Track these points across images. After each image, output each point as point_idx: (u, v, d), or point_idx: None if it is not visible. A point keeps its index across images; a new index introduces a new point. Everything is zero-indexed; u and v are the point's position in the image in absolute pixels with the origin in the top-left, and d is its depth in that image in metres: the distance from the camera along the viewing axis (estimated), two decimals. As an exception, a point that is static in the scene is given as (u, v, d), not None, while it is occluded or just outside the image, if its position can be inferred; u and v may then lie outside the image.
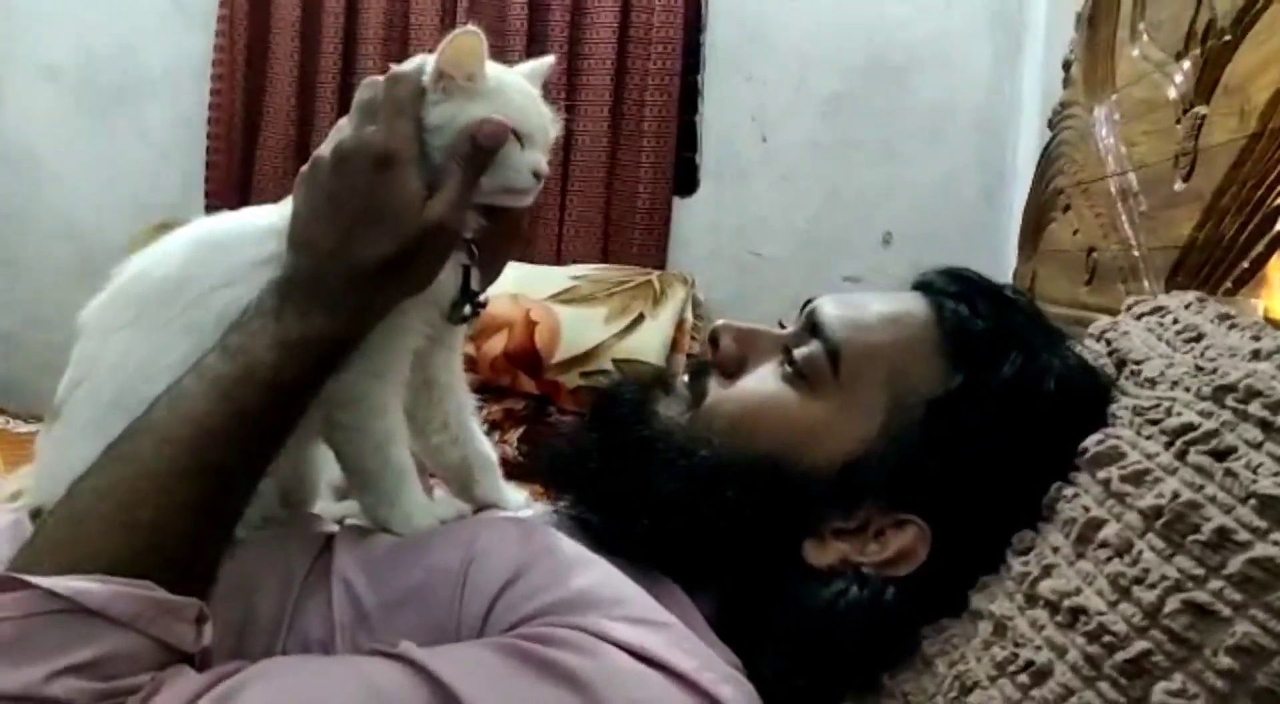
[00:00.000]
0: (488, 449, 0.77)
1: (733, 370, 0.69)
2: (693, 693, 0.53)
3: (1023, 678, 0.51)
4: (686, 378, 0.72)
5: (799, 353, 0.67)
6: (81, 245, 2.31)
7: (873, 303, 0.69)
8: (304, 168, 0.64)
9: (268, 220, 0.67)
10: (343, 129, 0.64)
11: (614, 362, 1.95)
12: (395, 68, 0.65)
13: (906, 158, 2.22)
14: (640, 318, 2.00)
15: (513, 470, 0.79)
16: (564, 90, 2.14)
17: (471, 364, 1.92)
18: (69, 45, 2.29)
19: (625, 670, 0.53)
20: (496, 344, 1.94)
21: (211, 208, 2.23)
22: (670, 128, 2.20)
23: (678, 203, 2.27)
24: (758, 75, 2.24)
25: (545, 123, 0.68)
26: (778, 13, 2.21)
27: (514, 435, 1.91)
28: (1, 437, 1.69)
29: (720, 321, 0.72)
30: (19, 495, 0.72)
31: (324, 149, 0.63)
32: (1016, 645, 0.52)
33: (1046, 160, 1.56)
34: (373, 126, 0.62)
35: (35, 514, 0.64)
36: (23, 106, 2.32)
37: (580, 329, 1.97)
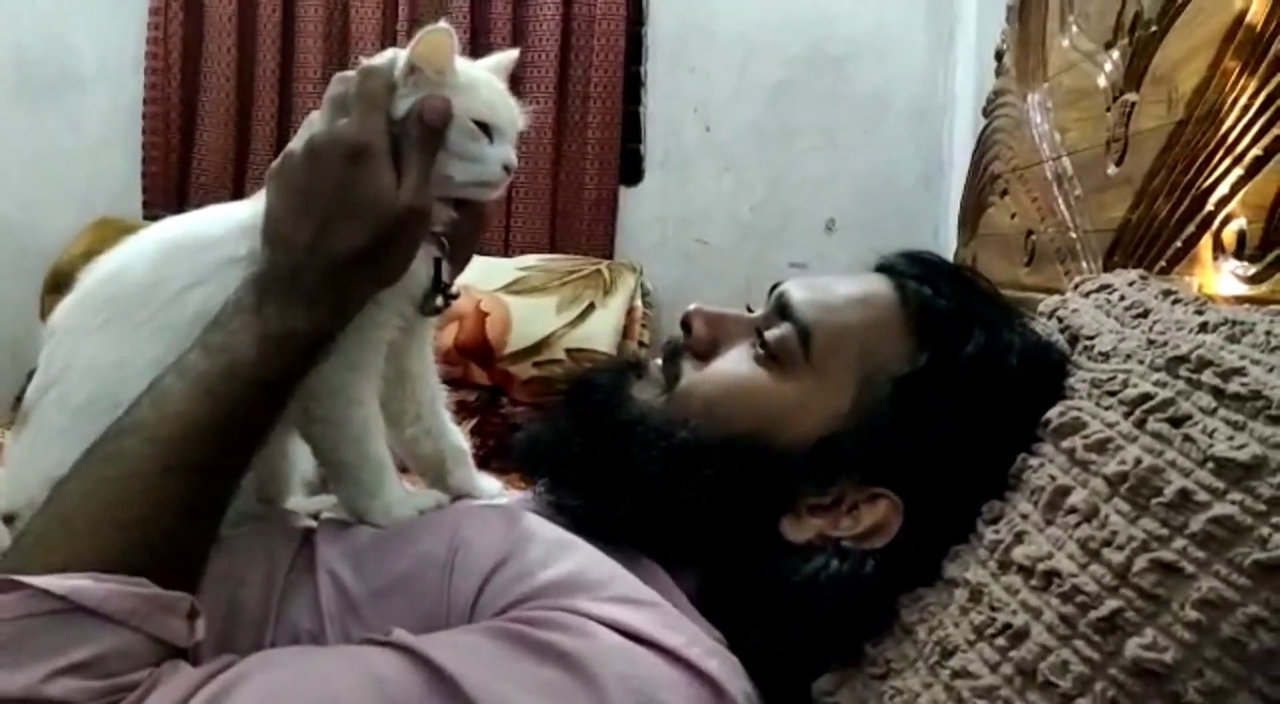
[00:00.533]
0: (461, 440, 0.78)
1: (705, 353, 0.71)
2: (681, 668, 0.55)
3: (1001, 640, 0.53)
4: (660, 361, 0.73)
5: (770, 335, 0.68)
6: (16, 241, 2.23)
7: (839, 285, 0.71)
8: (274, 163, 0.64)
9: (238, 218, 0.67)
10: (314, 123, 0.64)
11: (566, 351, 1.96)
12: (366, 61, 0.65)
13: (847, 146, 2.26)
14: (591, 307, 2.01)
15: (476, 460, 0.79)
16: (508, 82, 2.12)
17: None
18: (2, 45, 2.21)
19: (616, 648, 0.54)
20: (448, 336, 1.93)
21: (150, 203, 2.18)
22: (615, 118, 2.21)
23: (624, 192, 2.28)
24: (700, 67, 2.26)
25: (513, 116, 0.69)
26: (720, 4, 2.24)
27: (467, 427, 1.90)
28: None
29: (692, 306, 0.74)
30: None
31: (295, 144, 0.63)
32: (993, 610, 0.55)
33: (982, 147, 1.61)
34: (344, 120, 0.62)
35: (7, 519, 0.63)
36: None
37: (531, 319, 1.97)
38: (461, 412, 1.96)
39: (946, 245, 1.82)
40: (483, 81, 0.68)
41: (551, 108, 2.17)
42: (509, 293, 2.00)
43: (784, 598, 0.63)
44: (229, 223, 0.67)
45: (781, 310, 0.70)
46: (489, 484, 0.78)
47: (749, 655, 0.61)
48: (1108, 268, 1.00)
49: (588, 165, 2.21)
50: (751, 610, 0.63)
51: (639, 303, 2.08)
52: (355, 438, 0.68)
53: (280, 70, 2.10)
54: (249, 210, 0.66)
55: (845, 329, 0.68)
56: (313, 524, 0.70)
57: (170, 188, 2.16)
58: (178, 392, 0.58)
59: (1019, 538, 0.57)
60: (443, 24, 0.64)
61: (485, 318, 1.95)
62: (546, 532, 0.64)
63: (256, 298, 0.61)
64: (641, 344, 2.05)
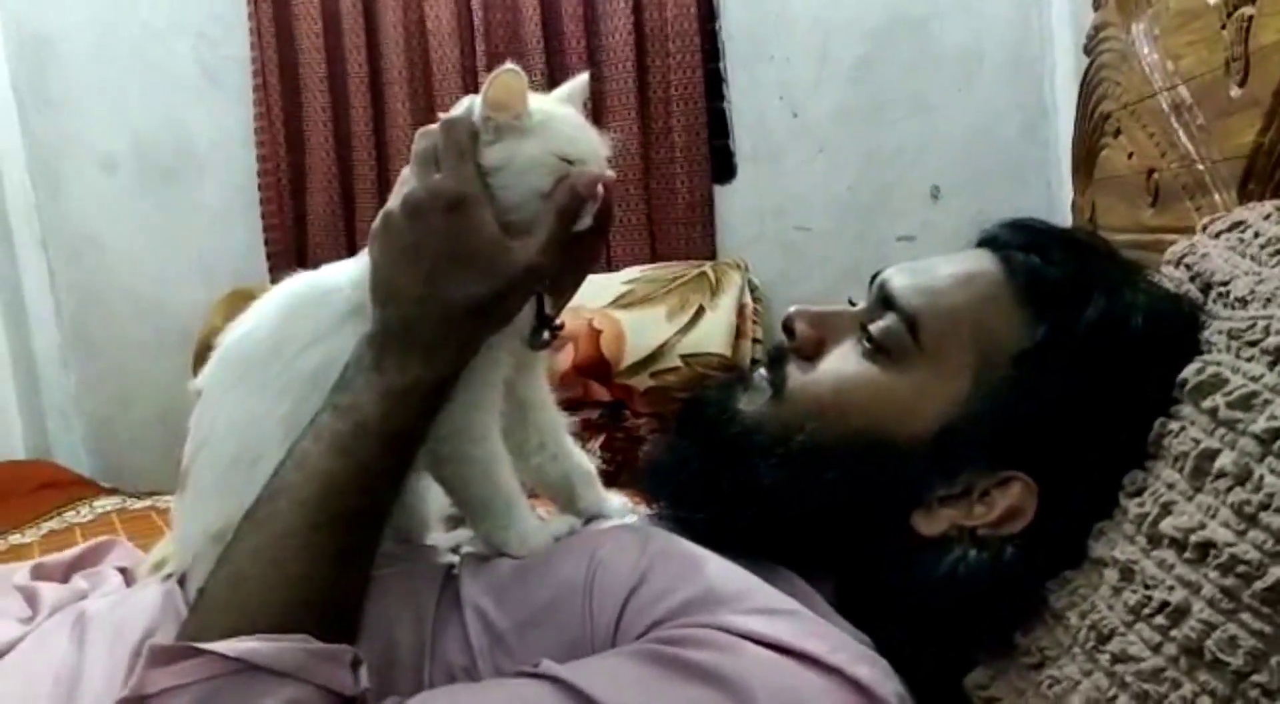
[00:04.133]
0: (586, 462, 0.79)
1: (811, 354, 0.70)
2: (831, 675, 0.54)
3: (1160, 619, 0.51)
4: (764, 369, 0.73)
5: (876, 328, 0.67)
6: (153, 318, 2.40)
7: (941, 266, 0.69)
8: (375, 224, 0.67)
9: (347, 275, 0.70)
10: (407, 181, 0.66)
11: (682, 358, 1.96)
12: (445, 115, 0.67)
13: (941, 109, 2.19)
14: (701, 310, 2.01)
15: (603, 479, 0.81)
16: (588, 98, 2.15)
17: (542, 381, 1.97)
18: (119, 133, 2.37)
19: (763, 661, 0.54)
20: (564, 358, 1.96)
21: (275, 269, 2.30)
22: (699, 119, 2.20)
23: (718, 191, 2.27)
24: (779, 54, 2.23)
25: (595, 145, 0.70)
26: (790, -13, 2.20)
27: (595, 444, 1.93)
28: (123, 515, 1.76)
29: (794, 308, 0.73)
30: (163, 565, 0.76)
31: (393, 203, 0.66)
32: (1147, 587, 0.52)
33: (1088, 87, 1.53)
34: (438, 174, 0.64)
35: (183, 581, 0.68)
36: (82, 196, 2.41)
37: (643, 331, 1.98)
38: (587, 430, 1.99)
39: (1062, 196, 1.74)
40: (559, 116, 0.69)
41: (635, 117, 2.18)
42: (618, 308, 2.02)
43: (924, 594, 0.62)
44: (340, 279, 0.70)
45: (885, 300, 0.69)
46: (618, 503, 0.79)
47: (896, 655, 0.59)
48: (1243, 199, 0.93)
49: (678, 169, 2.21)
50: (893, 610, 0.62)
51: (748, 300, 2.07)
52: (484, 474, 0.70)
53: (374, 121, 2.18)
54: (358, 265, 0.69)
55: (954, 311, 0.66)
56: (454, 559, 0.73)
57: (290, 253, 2.27)
58: (315, 453, 0.62)
59: (1166, 509, 0.54)
60: (510, 65, 0.65)
61: (599, 335, 1.98)
62: (680, 548, 0.64)
63: (375, 354, 0.63)
64: (755, 341, 2.03)
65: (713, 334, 1.97)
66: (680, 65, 2.17)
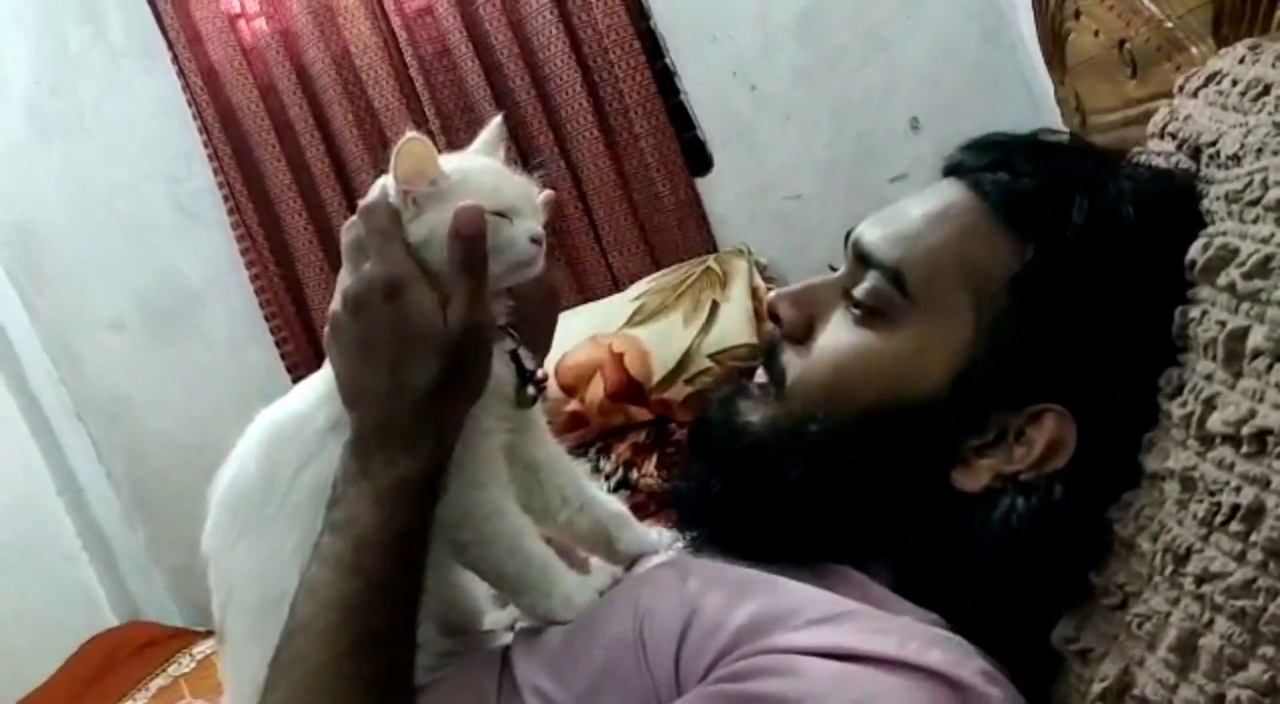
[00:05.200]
0: (614, 504, 0.76)
1: (803, 336, 0.67)
2: (903, 672, 0.50)
3: (1235, 525, 0.46)
4: (759, 375, 0.69)
5: (859, 291, 0.63)
6: (199, 461, 2.40)
7: (911, 208, 0.66)
8: (325, 330, 0.65)
9: (314, 391, 0.68)
10: (343, 279, 0.64)
11: (710, 357, 1.92)
12: (362, 201, 0.65)
13: (896, 42, 2.13)
14: (715, 306, 1.97)
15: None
16: (548, 130, 2.13)
17: (580, 419, 1.94)
18: (118, 292, 2.40)
19: (830, 676, 0.51)
20: (596, 391, 1.94)
21: (299, 378, 2.30)
22: (661, 119, 2.16)
23: (701, 184, 2.23)
24: (720, 32, 2.19)
25: (522, 189, 0.67)
26: (713, -34, 2.17)
27: (650, 466, 1.90)
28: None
29: (772, 293, 0.70)
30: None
31: (335, 304, 0.64)
32: (1212, 494, 0.48)
33: (1036, -23, 1.47)
34: (367, 263, 0.62)
35: None
36: (101, 360, 2.44)
37: (665, 342, 1.95)
38: (638, 454, 1.97)
39: (1044, 96, 1.68)
40: (477, 170, 0.67)
41: (598, 134, 2.15)
42: (633, 326, 1.99)
43: (983, 555, 0.58)
44: (309, 398, 0.68)
45: (862, 259, 0.65)
46: (656, 542, 0.76)
47: (972, 629, 0.56)
48: (1220, 46, 0.88)
49: (654, 174, 2.18)
50: (955, 580, 0.59)
51: (759, 282, 2.02)
52: (509, 549, 0.67)
53: (349, 212, 2.17)
54: (322, 378, 0.67)
55: (935, 253, 0.62)
56: (509, 639, 0.70)
57: (308, 360, 2.28)
58: (324, 579, 0.59)
59: (1210, 404, 0.49)
60: (411, 133, 0.63)
61: (622, 359, 1.95)
62: (723, 576, 0.61)
63: (359, 462, 0.61)
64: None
65: (733, 326, 1.93)
66: (627, 71, 2.14)
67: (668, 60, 2.22)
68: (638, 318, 2.00)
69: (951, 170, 0.67)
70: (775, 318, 0.69)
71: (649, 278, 2.10)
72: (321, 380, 0.68)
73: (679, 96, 2.23)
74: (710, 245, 2.21)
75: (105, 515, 2.45)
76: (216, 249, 2.34)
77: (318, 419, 0.66)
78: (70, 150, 2.35)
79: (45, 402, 2.42)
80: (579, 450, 1.96)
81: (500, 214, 0.65)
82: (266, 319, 2.33)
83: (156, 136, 2.32)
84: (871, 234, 0.65)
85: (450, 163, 0.66)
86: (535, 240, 0.66)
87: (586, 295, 2.18)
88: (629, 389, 1.94)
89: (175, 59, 2.18)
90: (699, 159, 2.23)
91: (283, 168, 2.20)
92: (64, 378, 2.44)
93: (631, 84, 2.16)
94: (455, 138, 2.09)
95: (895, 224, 0.65)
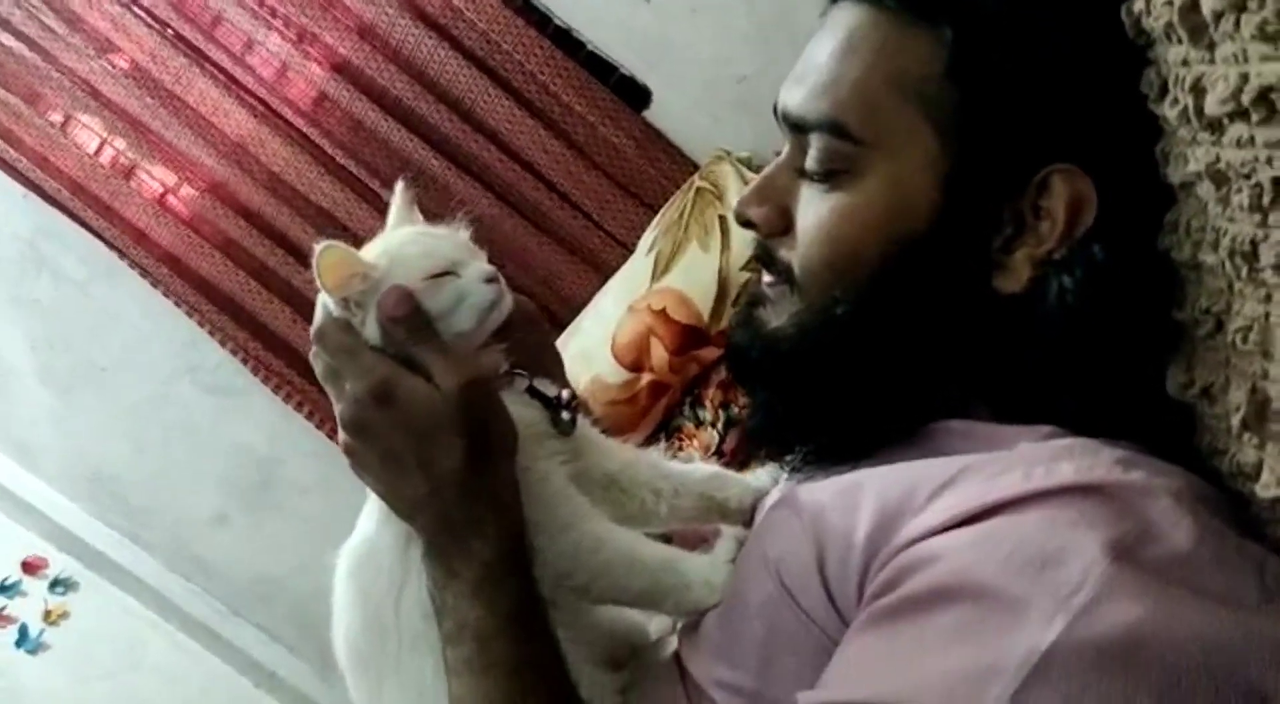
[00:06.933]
0: (704, 468, 0.74)
1: (784, 228, 0.63)
2: (1039, 503, 0.48)
3: (1284, 198, 0.42)
4: (764, 276, 0.66)
5: (810, 161, 0.60)
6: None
7: (816, 53, 0.61)
8: (348, 463, 0.64)
9: (372, 517, 0.67)
10: (336, 409, 0.63)
11: (744, 270, 1.87)
12: (312, 330, 0.64)
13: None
14: (723, 220, 1.91)
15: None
16: (487, 144, 2.11)
17: (660, 387, 1.92)
18: (207, 490, 2.46)
19: (970, 544, 0.48)
20: (659, 354, 1.91)
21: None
22: (580, 77, 2.11)
23: (650, 115, 2.17)
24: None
25: (449, 242, 0.65)
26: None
27: (744, 397, 1.88)
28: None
29: (735, 204, 0.66)
30: None
31: (341, 436, 0.63)
32: (1247, 177, 0.43)
33: None
34: (347, 383, 0.61)
35: None
36: (224, 554, 2.51)
37: (696, 278, 1.91)
38: (728, 391, 1.94)
39: None
40: (400, 244, 0.65)
41: (533, 123, 2.11)
42: (660, 278, 1.95)
43: (1058, 344, 0.54)
44: (371, 524, 0.67)
45: (797, 128, 0.62)
46: (763, 479, 0.73)
47: (1090, 419, 0.52)
48: None
49: (603, 130, 2.12)
50: (1047, 381, 0.55)
51: (750, 175, 1.96)
52: (627, 568, 0.65)
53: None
54: (373, 504, 0.67)
55: (860, 86, 0.58)
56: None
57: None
58: (466, 688, 0.59)
59: (1198, 89, 0.45)
60: (321, 243, 0.61)
61: (665, 313, 1.91)
62: (830, 491, 0.59)
63: (441, 566, 0.61)
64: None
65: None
66: (526, 52, 2.10)
67: (557, 21, 2.16)
68: (660, 268, 1.96)
69: (837, -6, 0.62)
70: (750, 224, 0.65)
71: (649, 230, 2.06)
72: (375, 503, 0.67)
73: (585, 48, 2.17)
74: (691, 166, 2.16)
75: (308, 683, 2.54)
76: (263, 407, 2.38)
77: (389, 542, 0.65)
78: (97, 390, 2.42)
79: (199, 614, 2.51)
80: (669, 418, 1.96)
81: (444, 273, 0.63)
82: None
83: (160, 339, 2.37)
84: (794, 97, 0.62)
85: (373, 250, 0.65)
86: (489, 279, 0.64)
87: (606, 273, 2.15)
88: (687, 337, 1.91)
89: (133, 264, 2.21)
90: (636, 93, 2.17)
91: (275, 306, 2.22)
92: (205, 586, 2.53)
93: (536, 60, 2.11)
94: (418, 201, 2.05)
95: (810, 77, 0.61)
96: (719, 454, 1.77)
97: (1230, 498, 0.50)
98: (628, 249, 2.14)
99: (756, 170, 2.00)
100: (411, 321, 0.60)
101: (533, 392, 0.67)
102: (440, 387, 0.59)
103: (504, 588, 0.59)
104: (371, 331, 0.61)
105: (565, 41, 2.15)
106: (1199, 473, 0.51)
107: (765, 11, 2.10)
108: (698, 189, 2.00)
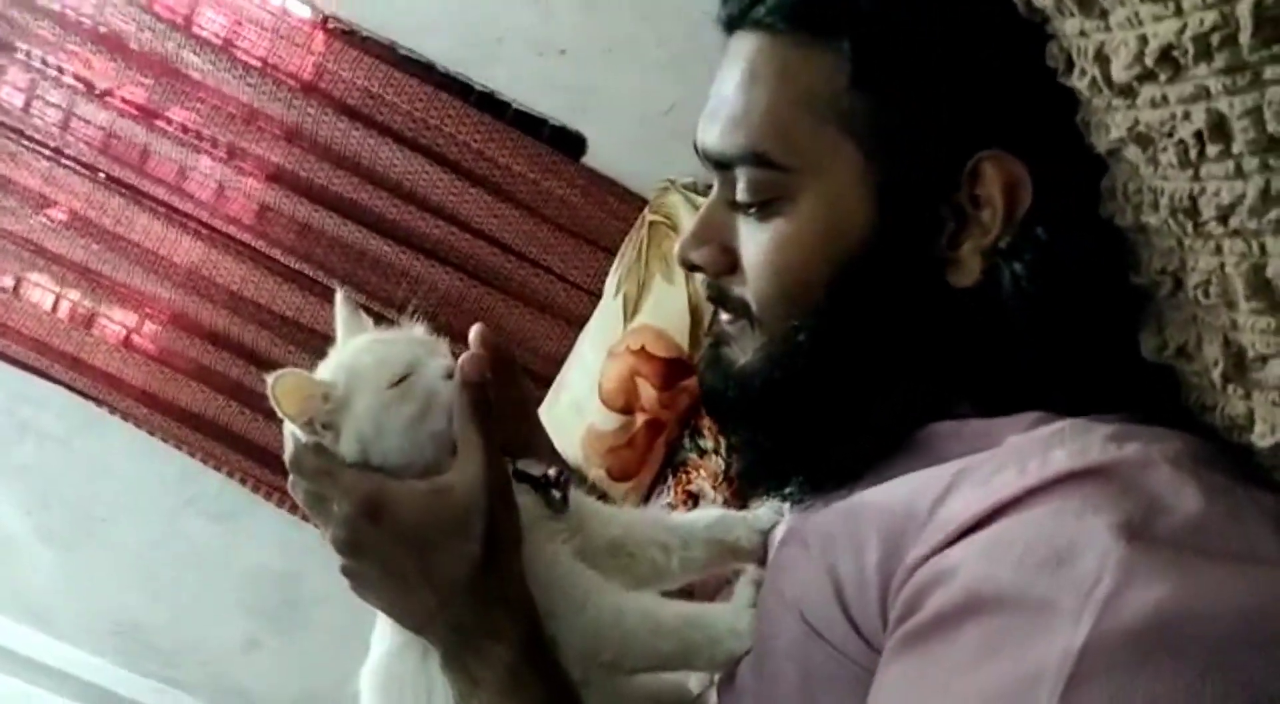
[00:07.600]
0: (708, 513, 0.73)
1: (729, 266, 0.63)
2: (1040, 497, 0.47)
3: (1211, 148, 0.42)
4: (722, 315, 0.66)
5: (739, 194, 0.60)
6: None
7: (723, 88, 0.62)
8: (349, 586, 0.63)
9: (385, 633, 0.66)
10: (327, 536, 0.62)
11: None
12: (285, 458, 0.63)
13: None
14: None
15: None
16: (437, 220, 2.11)
17: (657, 425, 1.91)
18: (233, 616, 2.43)
19: (980, 551, 0.47)
20: (647, 393, 1.90)
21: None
22: (514, 138, 2.12)
23: (590, 160, 2.18)
24: (499, 32, 2.14)
25: (403, 344, 0.65)
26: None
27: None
28: None
29: (675, 248, 0.66)
30: None
31: (339, 561, 0.62)
32: (1170, 135, 0.43)
33: None
34: (334, 505, 0.60)
35: None
36: (263, 680, 2.48)
37: (667, 310, 1.90)
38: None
39: None
40: (352, 354, 0.65)
41: (476, 191, 2.11)
42: (633, 318, 1.95)
43: (1023, 330, 0.54)
44: (386, 639, 0.66)
45: (720, 164, 0.62)
46: (765, 516, 0.72)
47: (1075, 403, 0.51)
48: None
49: (546, 183, 2.13)
50: (1020, 369, 0.55)
51: (699, 200, 1.97)
52: (652, 633, 0.64)
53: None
54: (386, 622, 0.65)
55: (771, 113, 0.58)
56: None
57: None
58: None
59: (1101, 57, 0.44)
60: (276, 373, 0.60)
61: (645, 350, 1.91)
62: (832, 522, 0.58)
63: (462, 675, 0.59)
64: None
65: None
66: (454, 122, 2.11)
67: (477, 87, 2.17)
68: (631, 308, 1.96)
69: (729, 26, 0.63)
70: (694, 268, 0.65)
71: (612, 270, 2.06)
72: (384, 625, 0.66)
73: (511, 107, 2.18)
74: (639, 202, 2.16)
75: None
76: (269, 524, 2.36)
77: (405, 656, 0.64)
78: (100, 542, 2.39)
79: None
80: (671, 453, 1.95)
81: (402, 378, 0.62)
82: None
83: (152, 478, 2.35)
84: (710, 136, 0.62)
85: (327, 367, 0.64)
86: (448, 374, 0.63)
87: (578, 324, 2.14)
88: (672, 370, 1.90)
89: (112, 410, 2.20)
90: (570, 142, 2.18)
91: (261, 422, 2.20)
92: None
93: (466, 129, 2.12)
94: (379, 290, 2.05)
95: (722, 112, 0.61)
96: (730, 480, 1.76)
97: (1231, 451, 0.49)
98: (595, 295, 2.14)
99: (703, 193, 2.01)
100: (476, 392, 0.61)
101: (519, 475, 0.66)
102: (463, 475, 0.59)
103: (529, 687, 0.58)
104: (347, 448, 0.61)
105: (490, 105, 2.16)
106: (1196, 431, 0.50)
107: (675, 41, 2.12)
108: (650, 223, 2.00)
